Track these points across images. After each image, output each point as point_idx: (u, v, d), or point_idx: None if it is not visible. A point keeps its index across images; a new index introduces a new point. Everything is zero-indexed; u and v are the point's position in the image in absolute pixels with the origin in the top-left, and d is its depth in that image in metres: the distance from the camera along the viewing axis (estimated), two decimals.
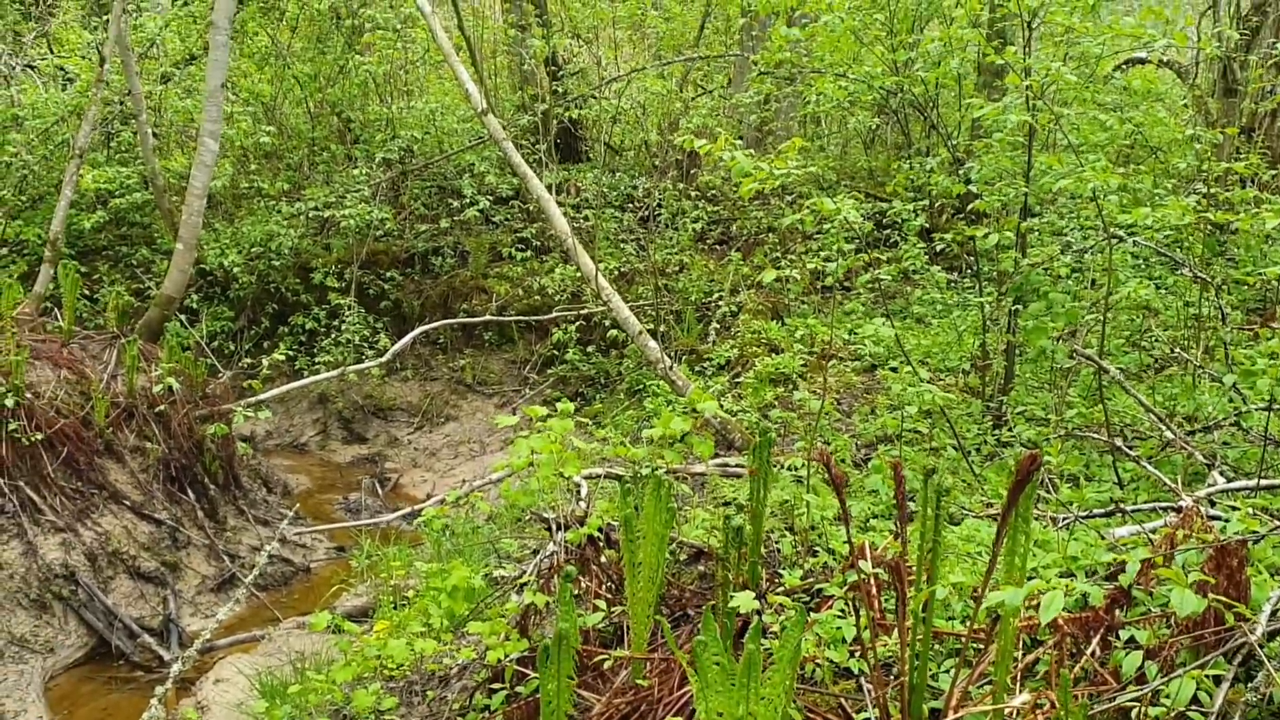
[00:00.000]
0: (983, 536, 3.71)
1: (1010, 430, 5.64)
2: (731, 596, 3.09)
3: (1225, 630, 2.46)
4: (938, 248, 6.65)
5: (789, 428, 6.95)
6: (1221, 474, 4.00)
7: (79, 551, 6.77)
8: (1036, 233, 6.07)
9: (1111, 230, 4.91)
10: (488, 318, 11.04)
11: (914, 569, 2.64)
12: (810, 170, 5.52)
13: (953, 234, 6.83)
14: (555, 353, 11.13)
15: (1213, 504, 3.53)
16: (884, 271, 6.52)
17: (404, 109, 12.77)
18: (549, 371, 11.31)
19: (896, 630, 2.69)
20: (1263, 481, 3.67)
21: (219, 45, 8.42)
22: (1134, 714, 2.37)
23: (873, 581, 3.25)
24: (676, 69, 13.75)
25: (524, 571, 5.31)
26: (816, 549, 3.97)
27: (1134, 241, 5.11)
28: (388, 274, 11.99)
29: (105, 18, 15.08)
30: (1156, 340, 6.15)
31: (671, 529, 3.75)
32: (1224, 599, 2.43)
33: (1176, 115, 9.71)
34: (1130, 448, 4.70)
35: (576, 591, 4.44)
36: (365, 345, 11.18)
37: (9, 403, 6.95)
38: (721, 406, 6.65)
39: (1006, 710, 2.43)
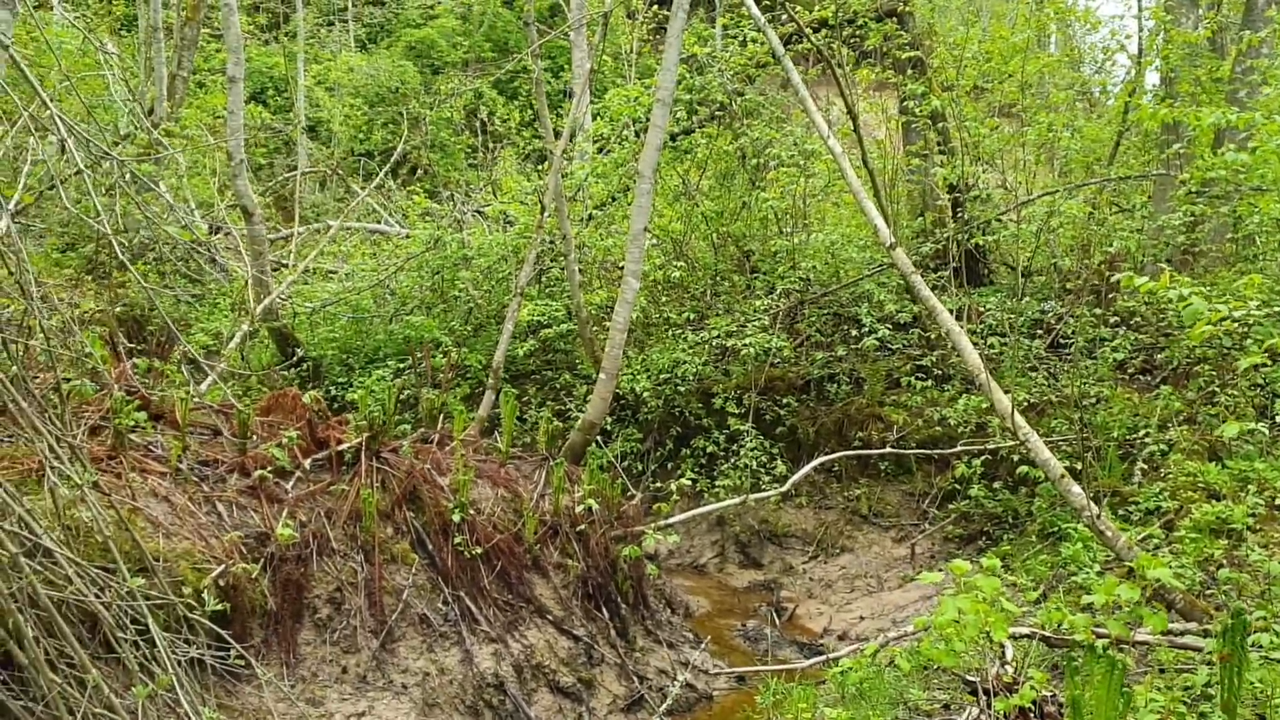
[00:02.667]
0: None
1: None
2: None
3: None
4: None
5: (1242, 591, 6.15)
6: None
7: (508, 662, 7.30)
8: None
9: None
10: (887, 450, 10.84)
11: None
12: (1276, 310, 4.94)
13: None
14: (957, 487, 10.68)
15: None
16: None
17: (803, 240, 13.11)
18: (950, 507, 10.85)
19: None
20: None
21: (643, 193, 9.13)
22: None
23: None
24: (1089, 189, 13.06)
25: None
26: None
27: None
28: (784, 400, 12.19)
29: (541, 167, 16.98)
30: None
31: (1125, 714, 3.39)
32: None
33: None
34: None
35: None
36: (762, 470, 11.37)
37: (456, 518, 7.73)
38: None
39: None
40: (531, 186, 15.05)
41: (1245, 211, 9.27)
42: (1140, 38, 14.16)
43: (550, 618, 7.83)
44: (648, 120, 10.28)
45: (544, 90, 12.29)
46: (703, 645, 8.05)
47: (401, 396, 11.39)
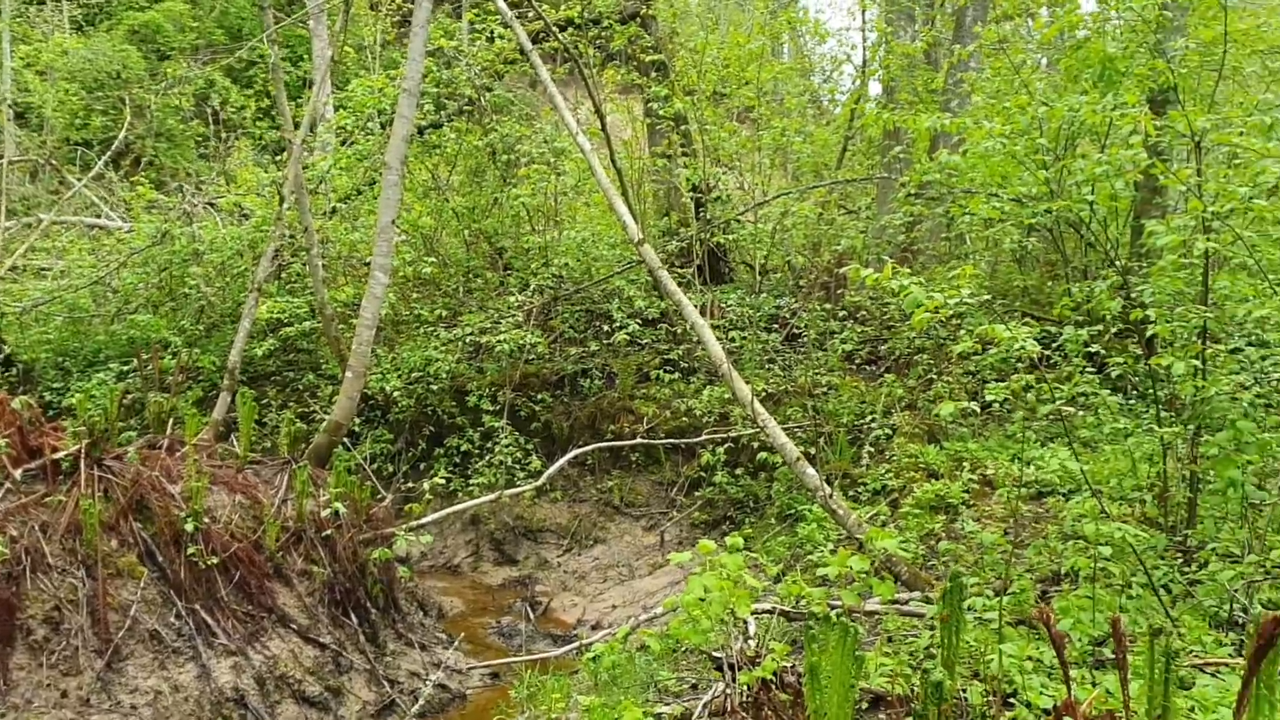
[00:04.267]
0: (1202, 694, 3.45)
1: (1201, 567, 5.30)
2: None
3: None
4: (1113, 373, 6.39)
5: (958, 561, 6.70)
6: None
7: (249, 675, 6.94)
8: (1220, 359, 5.79)
9: None
10: (637, 440, 11.10)
11: None
12: (984, 300, 5.41)
13: (1125, 358, 6.58)
14: (702, 475, 11.08)
15: None
16: (1064, 395, 6.30)
17: (555, 238, 13.21)
18: (696, 494, 11.25)
19: None
20: None
21: (391, 184, 8.91)
22: None
23: None
24: (819, 191, 13.88)
25: (689, 711, 5.20)
26: (1010, 700, 3.76)
27: None
28: (538, 396, 12.23)
29: (278, 158, 16.23)
30: None
31: (858, 677, 3.62)
32: None
33: None
34: None
35: None
36: (517, 466, 11.36)
37: (189, 527, 7.27)
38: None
39: None
40: (270, 178, 14.36)
41: (957, 212, 10.12)
42: (864, 49, 15.18)
43: (295, 626, 7.51)
44: (393, 112, 10.04)
45: (282, 77, 11.75)
46: (454, 644, 7.93)
47: (126, 401, 10.59)
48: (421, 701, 6.42)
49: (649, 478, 11.85)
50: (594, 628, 9.45)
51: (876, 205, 13.16)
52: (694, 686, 6.03)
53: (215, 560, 7.28)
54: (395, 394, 11.74)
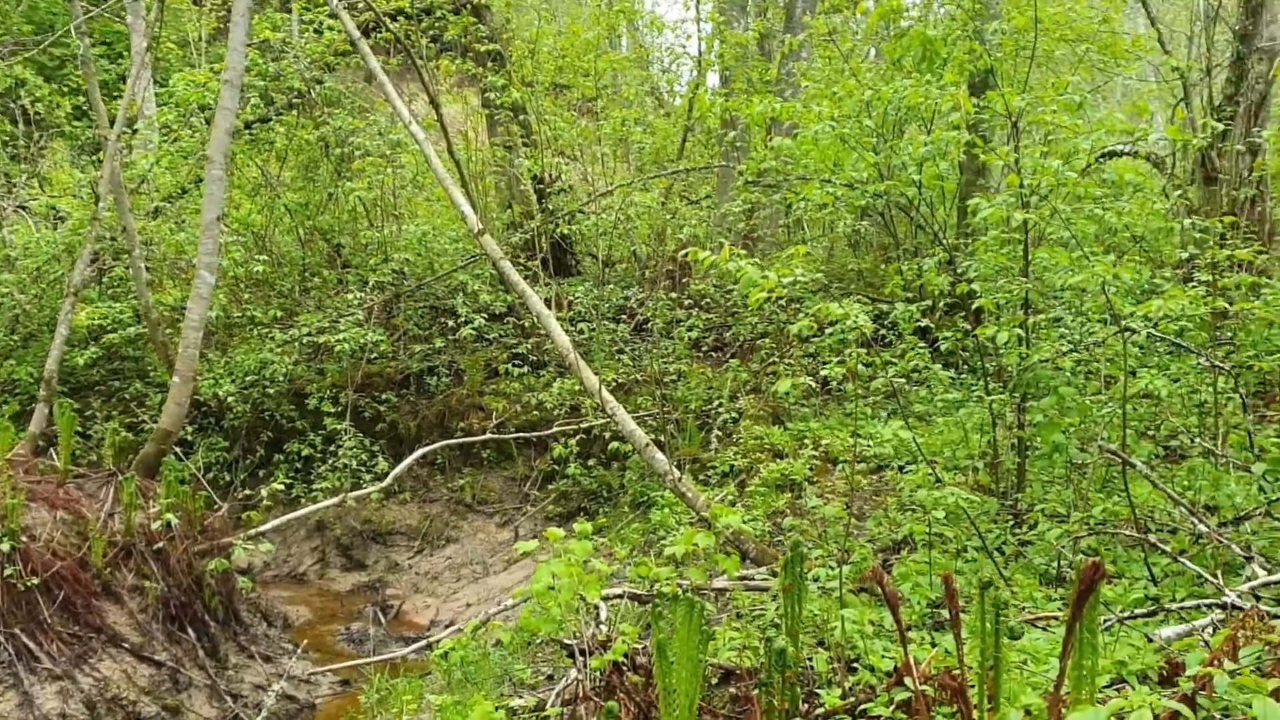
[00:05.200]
0: (1033, 646, 3.59)
1: (1031, 529, 5.55)
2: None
3: None
4: (943, 347, 6.63)
5: (803, 535, 6.84)
6: (1261, 566, 3.91)
7: (78, 700, 6.53)
8: (1042, 328, 6.08)
9: (1126, 323, 4.92)
10: (487, 435, 10.96)
11: (972, 685, 2.53)
12: (817, 277, 5.52)
13: (953, 332, 6.84)
14: (555, 468, 11.02)
15: (1257, 598, 3.43)
16: (896, 369, 6.50)
17: (394, 232, 12.89)
18: (550, 487, 11.18)
19: None
20: None
21: (214, 179, 8.50)
22: None
23: (922, 699, 3.12)
24: (661, 181, 13.98)
25: (543, 701, 5.14)
26: (854, 665, 3.83)
27: (1148, 333, 5.12)
28: (383, 396, 11.93)
29: (95, 157, 15.32)
30: (1178, 431, 6.11)
31: (705, 652, 3.62)
32: None
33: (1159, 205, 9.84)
34: (1160, 542, 4.61)
35: None
36: (363, 469, 11.05)
37: (5, 547, 6.79)
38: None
39: None
40: (86, 178, 13.53)
41: (793, 199, 10.36)
42: (700, 40, 15.35)
43: (127, 645, 7.11)
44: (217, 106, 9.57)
45: (94, 71, 11.07)
46: (297, 652, 7.65)
47: None
48: (265, 714, 6.15)
49: (501, 473, 11.71)
50: (448, 627, 9.26)
51: (717, 194, 13.34)
52: (550, 678, 5.97)
53: (36, 581, 6.84)
54: (229, 399, 11.25)
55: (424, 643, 7.12)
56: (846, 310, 4.88)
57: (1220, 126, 8.57)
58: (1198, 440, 5.65)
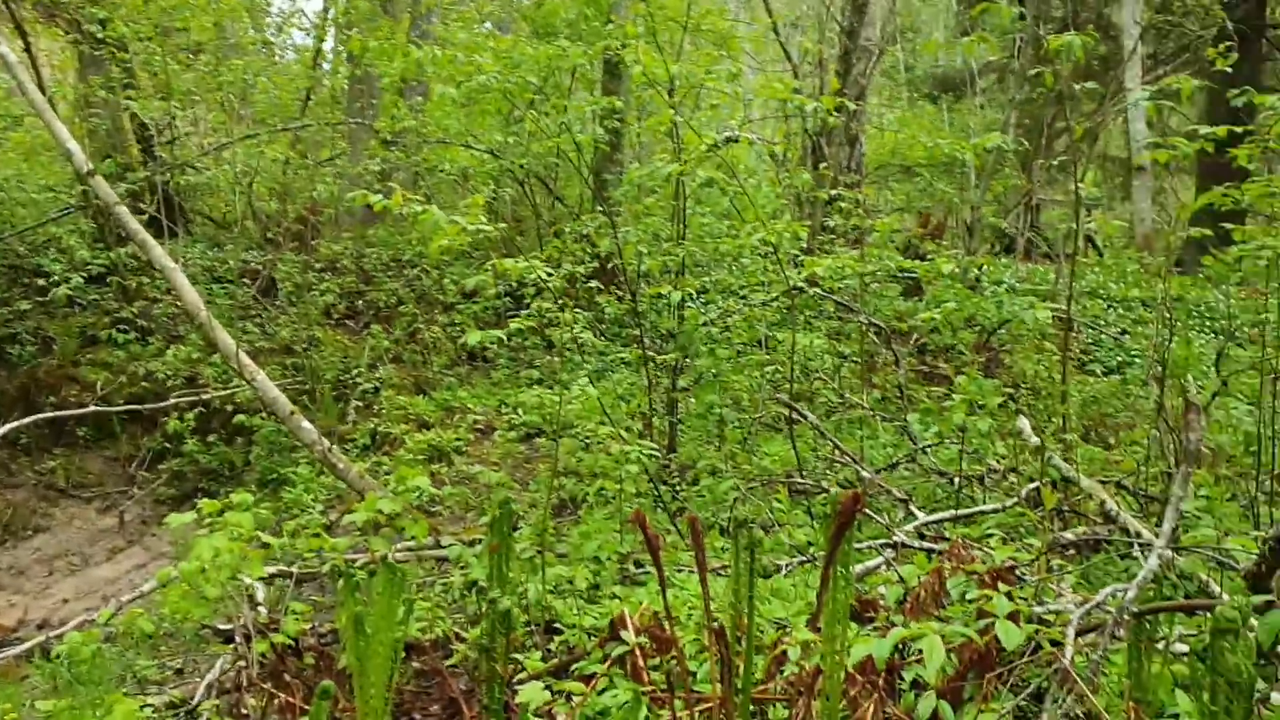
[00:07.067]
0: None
1: (693, 484, 5.77)
2: (514, 691, 2.82)
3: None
4: (608, 310, 6.74)
5: (465, 503, 6.69)
6: (919, 509, 4.31)
7: None
8: (703, 293, 6.34)
9: (794, 281, 5.23)
10: (88, 409, 9.69)
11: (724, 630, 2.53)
12: (500, 227, 5.37)
13: (610, 299, 6.97)
14: (168, 445, 9.97)
15: (921, 536, 3.76)
16: (555, 334, 6.49)
17: None
18: (161, 467, 10.11)
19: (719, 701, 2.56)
20: (959, 512, 3.99)
21: None
22: None
23: (638, 653, 3.10)
24: (284, 138, 13.10)
25: (188, 695, 4.61)
26: (556, 626, 3.76)
27: (815, 293, 5.47)
28: None
29: None
30: (829, 384, 6.60)
31: (409, 624, 3.38)
32: (1043, 625, 2.56)
33: (774, 185, 10.63)
34: (823, 489, 4.95)
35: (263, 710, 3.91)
36: None
37: None
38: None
39: None
40: None
41: (431, 161, 10.19)
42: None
43: None
44: None
45: None
46: None
47: None
48: None
49: (102, 453, 10.43)
50: (41, 626, 8.11)
51: (349, 156, 12.74)
52: (179, 672, 5.40)
53: None
54: None
55: (28, 646, 6.14)
56: (531, 264, 4.77)
57: (832, 119, 9.43)
58: (848, 395, 6.15)
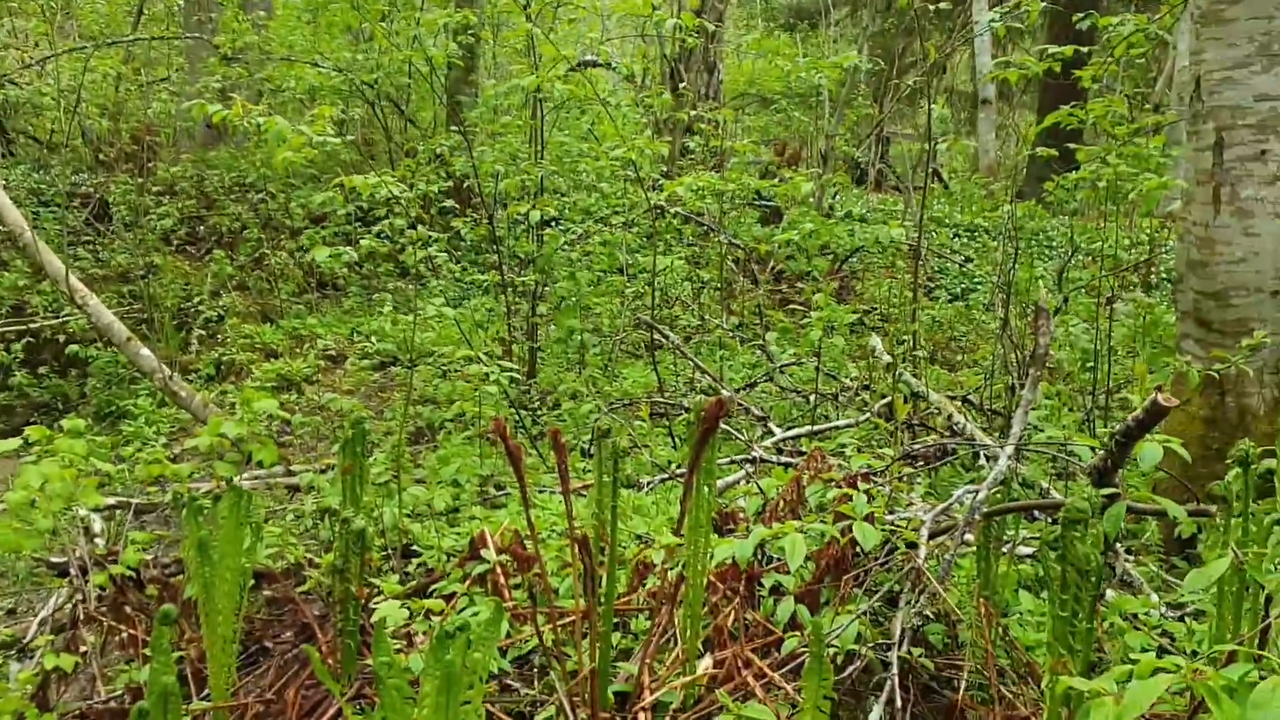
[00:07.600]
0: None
1: (553, 409, 5.73)
2: (370, 613, 2.75)
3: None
4: (465, 234, 6.58)
5: (316, 433, 6.50)
6: (778, 426, 4.38)
7: None
8: (562, 218, 6.25)
9: (656, 201, 5.19)
10: None
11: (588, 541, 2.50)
12: (350, 141, 5.13)
13: (466, 222, 6.81)
14: None
15: (779, 451, 3.83)
16: (406, 256, 6.30)
17: None
18: None
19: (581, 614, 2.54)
20: (815, 427, 4.08)
21: None
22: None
23: (500, 570, 3.07)
24: (117, 53, 12.26)
25: (25, 635, 4.36)
26: (414, 550, 3.68)
27: (675, 213, 5.45)
28: None
29: None
30: (691, 312, 6.61)
31: (257, 551, 3.25)
32: (896, 528, 2.63)
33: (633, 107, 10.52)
34: (685, 409, 4.98)
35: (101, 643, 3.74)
36: None
37: None
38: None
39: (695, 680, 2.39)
40: None
41: (276, 79, 9.71)
42: None
43: None
44: None
45: None
46: None
47: None
48: None
49: None
50: None
51: (187, 74, 12.02)
52: (11, 612, 5.13)
53: None
54: None
55: None
56: (386, 182, 4.58)
57: (692, 39, 9.37)
58: (707, 319, 6.18)
